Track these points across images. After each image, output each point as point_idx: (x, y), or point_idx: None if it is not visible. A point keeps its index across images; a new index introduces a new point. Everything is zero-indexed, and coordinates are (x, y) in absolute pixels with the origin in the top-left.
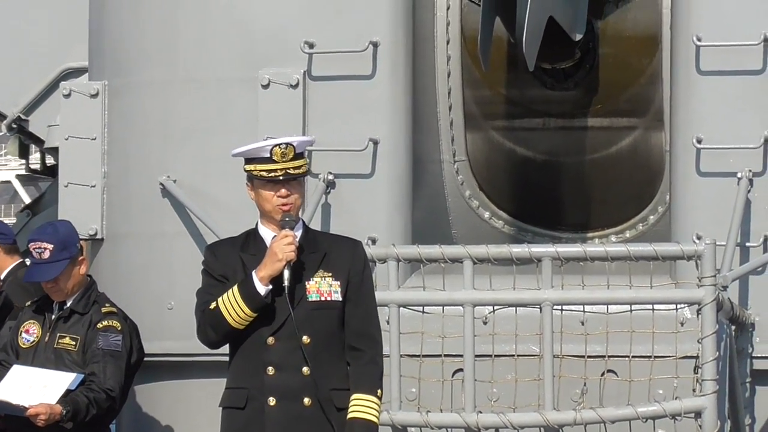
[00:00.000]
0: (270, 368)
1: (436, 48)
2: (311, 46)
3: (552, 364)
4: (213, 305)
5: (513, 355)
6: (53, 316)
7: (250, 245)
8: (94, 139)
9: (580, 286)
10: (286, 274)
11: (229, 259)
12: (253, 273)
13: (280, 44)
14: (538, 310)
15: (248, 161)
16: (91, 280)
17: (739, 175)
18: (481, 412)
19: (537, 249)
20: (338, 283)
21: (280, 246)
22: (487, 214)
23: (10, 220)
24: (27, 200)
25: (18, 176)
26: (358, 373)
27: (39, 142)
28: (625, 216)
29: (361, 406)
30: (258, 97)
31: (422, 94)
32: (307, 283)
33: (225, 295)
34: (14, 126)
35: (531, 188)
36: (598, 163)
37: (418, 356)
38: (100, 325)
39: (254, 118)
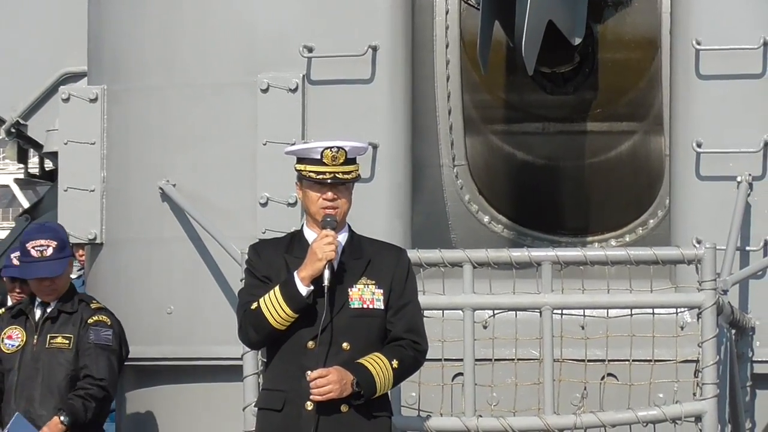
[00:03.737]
0: (309, 372)
1: (435, 52)
2: (310, 50)
3: (552, 368)
4: (254, 305)
5: (513, 359)
6: (38, 319)
7: (294, 247)
8: (93, 143)
9: (580, 290)
10: (327, 274)
11: (273, 259)
12: (295, 273)
13: (280, 48)
14: (538, 314)
15: (299, 161)
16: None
17: (738, 179)
18: (481, 416)
19: (537, 253)
20: (381, 291)
21: (320, 246)
22: (486, 219)
23: (8, 224)
24: (25, 204)
25: (16, 180)
26: (391, 346)
27: (38, 146)
28: (624, 220)
29: (370, 358)
30: (257, 102)
31: (421, 99)
32: (349, 289)
33: (267, 295)
34: (13, 131)
35: (530, 192)
36: (598, 167)
37: None
38: (90, 320)
39: (253, 123)
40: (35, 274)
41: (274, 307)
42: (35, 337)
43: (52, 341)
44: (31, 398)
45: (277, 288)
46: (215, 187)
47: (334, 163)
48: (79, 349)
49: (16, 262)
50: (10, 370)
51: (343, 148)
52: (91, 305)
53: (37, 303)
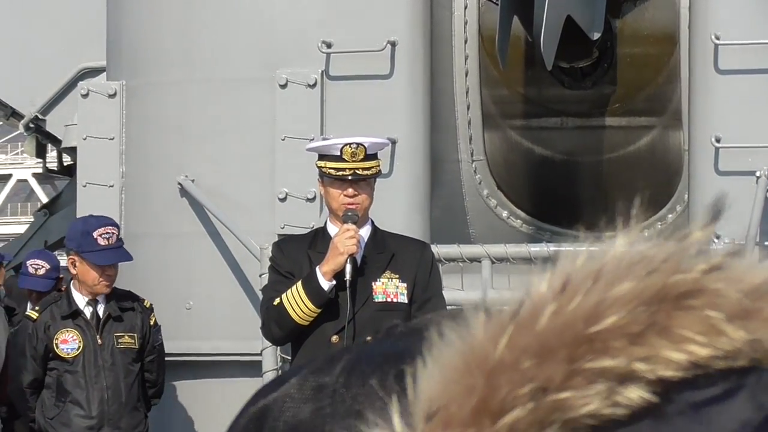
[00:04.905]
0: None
1: (453, 47)
2: (329, 45)
3: None
4: (277, 301)
5: None
6: (100, 317)
7: (318, 242)
8: (112, 139)
9: None
10: (348, 268)
11: (297, 255)
12: (317, 268)
13: (298, 44)
14: None
15: (320, 157)
16: None
17: (758, 173)
18: None
19: (555, 248)
20: (405, 285)
21: (342, 240)
22: (505, 213)
23: (26, 219)
24: (44, 198)
25: (34, 174)
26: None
27: (56, 141)
28: (644, 215)
29: None
30: (276, 97)
31: (440, 94)
32: (373, 283)
33: (289, 290)
34: (32, 125)
35: (549, 187)
36: (617, 162)
37: None
38: (152, 321)
39: (272, 118)
40: (114, 260)
41: (296, 302)
42: (98, 337)
43: (120, 341)
44: (104, 400)
45: (299, 283)
46: (234, 182)
47: (354, 159)
48: (144, 349)
49: (32, 270)
50: (74, 372)
51: (362, 144)
52: (144, 303)
53: (85, 301)
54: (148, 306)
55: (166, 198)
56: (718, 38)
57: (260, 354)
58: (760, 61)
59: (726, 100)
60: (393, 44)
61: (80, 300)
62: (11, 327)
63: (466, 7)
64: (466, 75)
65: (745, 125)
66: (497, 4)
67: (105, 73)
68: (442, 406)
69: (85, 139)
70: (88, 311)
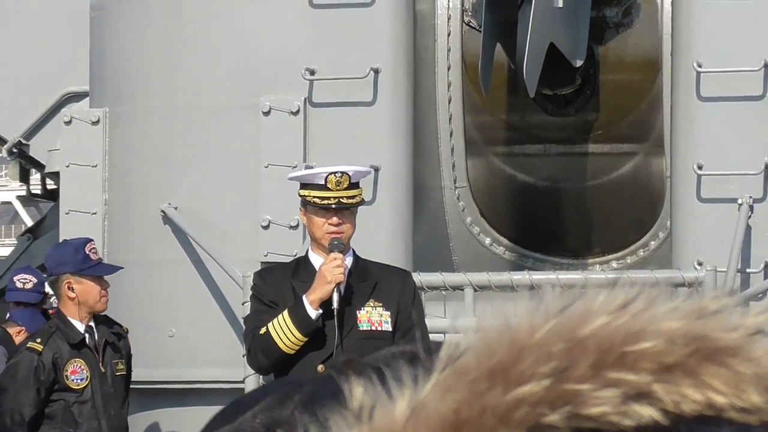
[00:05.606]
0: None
1: (436, 74)
2: (312, 72)
3: None
4: (263, 330)
5: None
6: (97, 343)
7: (300, 272)
8: (95, 166)
9: None
10: (335, 296)
11: (280, 284)
12: (304, 297)
13: (281, 71)
14: None
15: (303, 186)
16: None
17: (739, 201)
18: None
19: (538, 276)
20: (388, 313)
21: (329, 268)
22: (488, 240)
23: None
24: (28, 221)
25: (19, 197)
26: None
27: (39, 166)
28: (626, 241)
29: None
30: (259, 124)
31: (423, 121)
32: (357, 312)
33: (275, 319)
34: (15, 150)
35: (532, 214)
36: (599, 188)
37: None
38: (129, 347)
39: (255, 145)
40: (108, 271)
41: (283, 331)
42: (99, 365)
43: (116, 368)
44: (113, 429)
45: (285, 312)
46: (217, 209)
47: (338, 188)
48: (129, 378)
49: (19, 285)
50: (84, 402)
51: (347, 173)
52: (123, 327)
53: (84, 328)
54: (126, 331)
55: (150, 225)
56: (700, 66)
57: (243, 382)
58: (742, 89)
59: (708, 127)
60: (376, 71)
61: (80, 327)
62: None
63: (449, 34)
64: (449, 102)
65: (727, 152)
66: (480, 31)
67: (88, 98)
68: (463, 354)
69: (68, 166)
70: (87, 339)
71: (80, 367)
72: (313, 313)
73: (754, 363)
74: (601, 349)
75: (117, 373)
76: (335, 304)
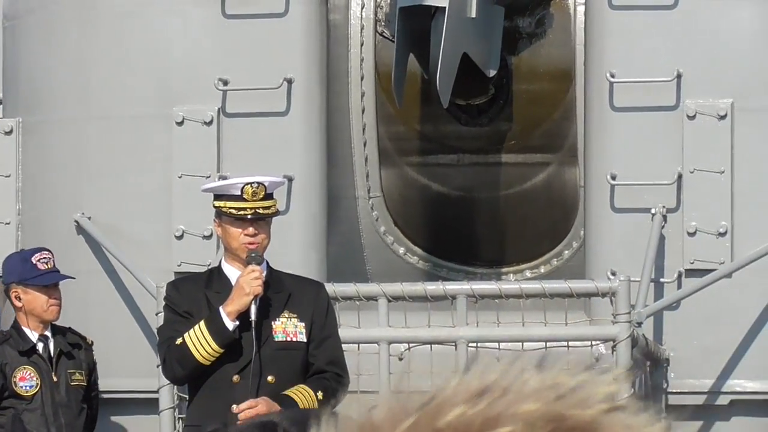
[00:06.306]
0: (234, 406)
1: (350, 84)
2: (225, 83)
3: None
4: (179, 341)
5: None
6: (51, 354)
7: (214, 282)
8: (8, 176)
9: (495, 323)
10: (253, 308)
11: (194, 295)
12: (221, 308)
13: (194, 81)
14: (454, 347)
15: (217, 197)
16: None
17: (653, 211)
18: None
19: (452, 287)
20: (303, 324)
21: (248, 280)
22: (402, 250)
23: None
24: None
25: None
26: (316, 378)
27: None
28: (539, 251)
29: (296, 389)
30: (172, 134)
31: (337, 131)
32: (273, 323)
33: (192, 330)
34: None
35: (446, 224)
36: (513, 198)
37: None
38: (94, 358)
39: (169, 155)
40: (58, 279)
41: (200, 342)
42: (52, 374)
43: (72, 377)
44: None
45: (202, 323)
46: (131, 219)
47: (254, 198)
48: (90, 389)
49: None
50: (34, 410)
51: (263, 184)
52: (87, 340)
53: (36, 337)
54: (90, 343)
55: (63, 235)
56: (613, 76)
57: (157, 392)
58: (655, 99)
59: (621, 137)
60: (289, 81)
61: (32, 336)
62: None
63: (362, 45)
64: (363, 112)
65: (641, 162)
66: (393, 41)
67: (0, 107)
68: None
69: None
70: (40, 347)
71: (30, 374)
72: (230, 324)
73: None
74: None
75: (72, 383)
76: (252, 316)
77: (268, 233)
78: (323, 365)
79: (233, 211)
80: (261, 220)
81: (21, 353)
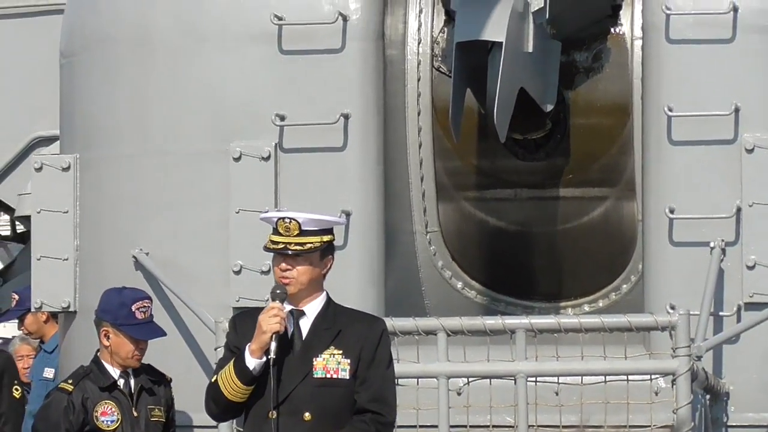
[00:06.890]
0: None
1: (407, 119)
2: (282, 118)
3: None
4: (214, 378)
5: (488, 426)
6: (132, 389)
7: None
8: (66, 212)
9: (554, 357)
10: (273, 346)
11: (248, 331)
12: (246, 346)
13: (252, 117)
14: (513, 381)
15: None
16: None
17: (711, 244)
18: None
19: (511, 321)
20: (348, 360)
21: (265, 318)
22: (459, 285)
23: None
24: None
25: None
26: (352, 425)
27: (8, 209)
28: (598, 285)
29: None
30: (230, 170)
31: (394, 166)
32: (314, 359)
33: (224, 368)
34: None
35: (503, 258)
36: (570, 232)
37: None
38: (171, 395)
39: (226, 191)
40: (154, 335)
41: (228, 380)
42: (133, 409)
43: (152, 413)
44: None
45: (231, 361)
46: (188, 255)
47: (287, 234)
48: (167, 425)
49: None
50: None
51: (295, 220)
52: (166, 377)
53: (118, 374)
54: (169, 380)
55: (121, 271)
56: (671, 110)
57: (217, 426)
58: (712, 133)
59: (679, 170)
60: (346, 117)
61: (113, 372)
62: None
63: (419, 80)
64: (420, 147)
65: (699, 196)
66: (450, 77)
67: (58, 142)
68: None
69: (39, 212)
70: (121, 383)
71: (111, 409)
72: (251, 362)
73: None
74: None
75: (152, 419)
76: (272, 354)
77: (306, 269)
78: (365, 403)
79: (270, 244)
80: (298, 256)
81: (102, 389)
